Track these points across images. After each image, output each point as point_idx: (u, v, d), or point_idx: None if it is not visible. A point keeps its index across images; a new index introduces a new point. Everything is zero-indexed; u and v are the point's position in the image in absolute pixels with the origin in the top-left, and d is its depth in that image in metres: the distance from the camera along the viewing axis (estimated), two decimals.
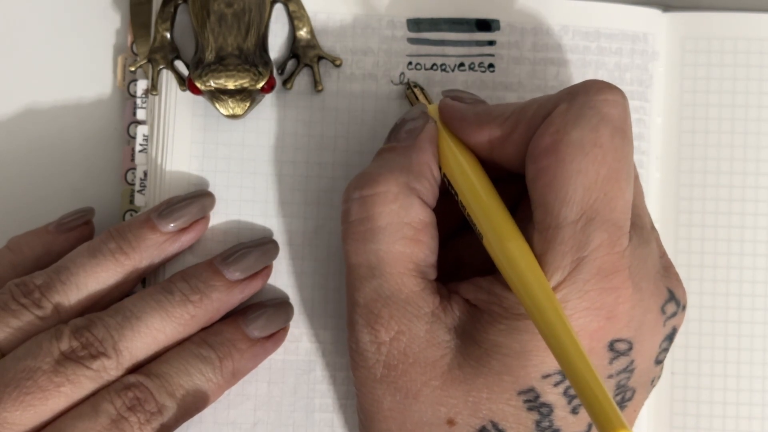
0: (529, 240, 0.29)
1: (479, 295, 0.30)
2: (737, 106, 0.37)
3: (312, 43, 0.36)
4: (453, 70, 0.36)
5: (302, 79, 0.36)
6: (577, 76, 0.36)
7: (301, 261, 0.36)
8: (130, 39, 0.37)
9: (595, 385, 0.25)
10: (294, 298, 0.36)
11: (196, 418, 0.33)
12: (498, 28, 0.36)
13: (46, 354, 0.30)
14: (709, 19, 0.37)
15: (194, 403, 0.32)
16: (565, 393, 0.29)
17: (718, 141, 0.37)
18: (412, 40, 0.36)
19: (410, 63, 0.36)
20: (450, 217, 0.33)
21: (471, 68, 0.36)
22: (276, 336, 0.34)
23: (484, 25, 0.36)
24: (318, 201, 0.36)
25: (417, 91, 0.35)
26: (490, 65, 0.36)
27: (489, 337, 0.29)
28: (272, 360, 0.35)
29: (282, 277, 0.36)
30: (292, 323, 0.35)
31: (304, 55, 0.36)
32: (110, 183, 0.38)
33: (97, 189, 0.38)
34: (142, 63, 0.36)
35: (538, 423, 0.29)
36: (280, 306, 0.35)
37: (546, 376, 0.29)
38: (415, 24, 0.36)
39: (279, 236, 0.36)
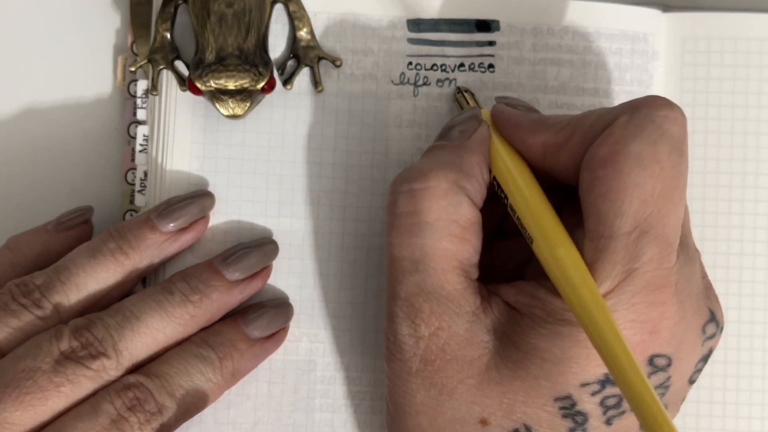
0: (578, 248, 0.29)
1: (521, 299, 0.30)
2: (737, 106, 0.37)
3: (312, 44, 0.36)
4: (453, 71, 0.36)
5: (302, 80, 0.36)
6: (577, 76, 0.36)
7: (301, 261, 0.36)
8: (130, 39, 0.37)
9: (646, 393, 0.25)
10: (294, 298, 0.36)
11: (196, 418, 0.33)
12: (498, 28, 0.36)
13: (46, 354, 0.30)
14: (709, 19, 0.37)
15: (194, 403, 0.32)
16: (602, 403, 0.29)
17: (718, 141, 0.37)
18: (412, 41, 0.36)
19: (410, 63, 0.36)
20: (487, 221, 0.32)
21: (471, 68, 0.36)
22: (276, 336, 0.34)
23: (484, 25, 0.36)
24: (318, 201, 0.36)
25: (467, 95, 0.35)
26: (490, 65, 0.36)
27: (529, 340, 0.29)
28: (272, 360, 0.35)
29: (282, 277, 0.36)
30: (292, 323, 0.35)
31: (305, 55, 0.36)
32: (110, 183, 0.38)
33: (97, 189, 0.38)
34: (142, 63, 0.36)
35: (571, 431, 0.29)
36: (280, 306, 0.35)
37: (584, 385, 0.28)
38: (415, 24, 0.36)
39: (279, 236, 0.36)
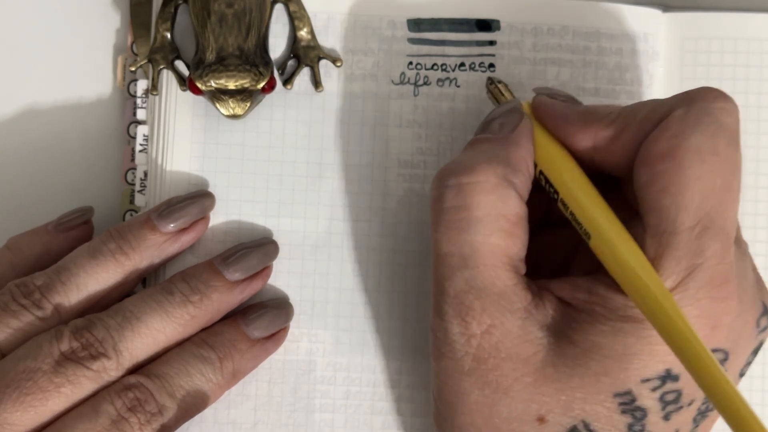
0: (638, 243, 0.28)
1: (577, 294, 0.29)
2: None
3: (312, 44, 0.36)
4: (453, 70, 0.36)
5: (302, 79, 0.36)
6: (577, 76, 0.36)
7: (301, 261, 0.36)
8: (130, 39, 0.37)
9: (729, 388, 0.25)
10: (294, 298, 0.36)
11: (197, 418, 0.33)
12: (498, 28, 0.36)
13: (47, 355, 0.30)
14: (709, 19, 0.37)
15: (194, 404, 0.32)
16: (661, 399, 0.28)
17: None
18: (412, 40, 0.36)
19: (410, 63, 0.36)
20: (531, 215, 0.32)
21: (471, 68, 0.36)
22: (276, 336, 0.34)
23: (485, 25, 0.36)
24: (318, 201, 0.36)
25: (501, 86, 0.34)
26: (491, 65, 0.36)
27: (589, 337, 0.28)
28: (272, 360, 0.35)
29: (282, 277, 0.36)
30: (292, 323, 0.35)
31: (305, 55, 0.36)
32: (110, 183, 0.38)
33: (97, 189, 0.38)
34: (142, 63, 0.36)
35: (630, 426, 0.29)
36: (281, 306, 0.35)
37: (645, 381, 0.28)
38: (416, 24, 0.36)
39: (279, 236, 0.36)
